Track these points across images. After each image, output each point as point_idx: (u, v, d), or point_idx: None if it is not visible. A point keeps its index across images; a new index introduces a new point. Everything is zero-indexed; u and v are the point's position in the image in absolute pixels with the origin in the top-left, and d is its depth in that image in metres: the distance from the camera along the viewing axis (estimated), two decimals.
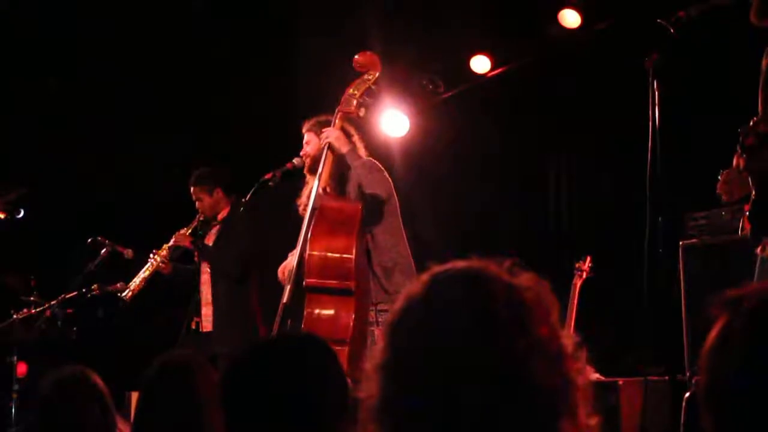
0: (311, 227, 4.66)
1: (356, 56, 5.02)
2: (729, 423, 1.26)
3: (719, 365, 1.27)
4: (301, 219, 5.02)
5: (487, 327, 1.21)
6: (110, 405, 2.75)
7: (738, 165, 3.37)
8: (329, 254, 4.59)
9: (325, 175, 4.82)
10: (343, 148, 4.81)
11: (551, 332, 1.24)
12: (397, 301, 1.30)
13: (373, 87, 4.99)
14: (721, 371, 1.27)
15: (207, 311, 6.01)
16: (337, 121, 4.92)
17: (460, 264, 1.29)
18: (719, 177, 3.68)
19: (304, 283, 4.59)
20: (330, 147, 4.82)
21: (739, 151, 3.30)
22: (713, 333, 1.30)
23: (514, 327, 1.21)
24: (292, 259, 4.82)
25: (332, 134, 4.84)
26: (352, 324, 4.51)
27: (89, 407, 2.71)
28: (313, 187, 4.81)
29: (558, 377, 1.21)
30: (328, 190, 4.92)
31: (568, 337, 1.26)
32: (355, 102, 4.91)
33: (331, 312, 4.54)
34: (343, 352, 4.40)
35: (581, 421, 1.23)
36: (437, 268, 1.30)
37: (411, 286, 1.29)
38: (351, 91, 4.93)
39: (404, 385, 1.23)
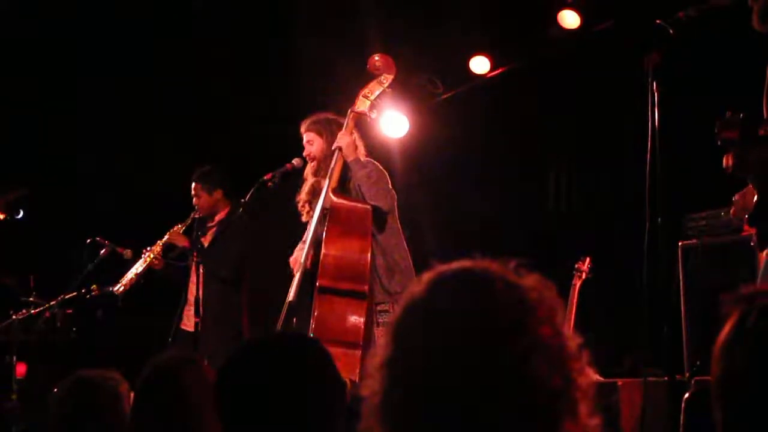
0: (325, 228, 4.65)
1: (373, 58, 5.02)
2: (738, 416, 1.29)
3: (731, 360, 1.31)
4: (300, 214, 5.02)
5: (488, 326, 1.22)
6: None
7: (728, 165, 3.35)
8: (345, 256, 4.58)
9: (336, 176, 4.81)
10: (351, 156, 4.80)
11: (554, 332, 1.24)
12: (401, 300, 1.30)
13: (387, 90, 5.00)
14: (733, 366, 1.30)
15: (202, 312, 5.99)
16: (349, 122, 4.92)
17: (463, 263, 1.29)
18: (733, 199, 3.67)
19: (317, 283, 4.57)
20: (340, 151, 4.82)
21: (719, 144, 3.27)
22: (726, 328, 1.33)
23: (514, 326, 1.22)
24: (301, 253, 4.81)
25: (344, 141, 4.83)
26: (363, 327, 4.50)
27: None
28: (324, 187, 4.80)
29: (560, 377, 1.21)
30: (336, 189, 4.92)
31: (572, 337, 1.26)
32: (368, 103, 4.92)
33: (342, 314, 4.53)
34: (355, 356, 4.39)
35: (583, 421, 1.23)
36: (441, 267, 1.30)
37: (414, 285, 1.30)
38: (365, 92, 4.95)
39: (406, 383, 1.23)
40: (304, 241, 4.90)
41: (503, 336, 1.21)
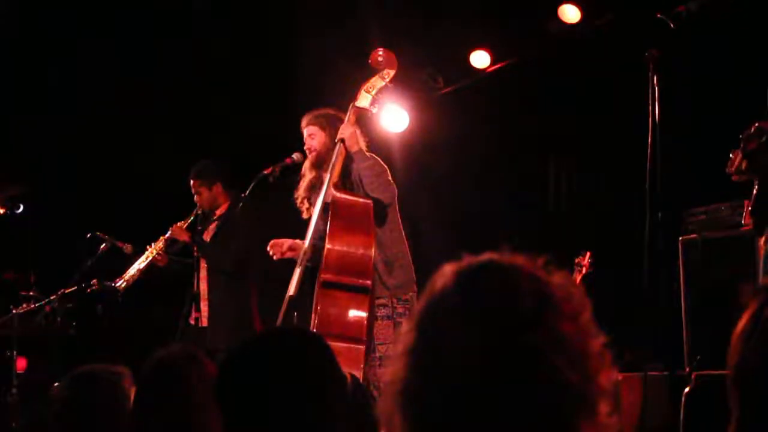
0: (328, 223, 4.65)
1: (376, 52, 5.05)
2: (755, 403, 1.31)
3: (748, 349, 1.34)
4: (299, 211, 5.03)
5: (508, 317, 1.22)
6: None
7: (739, 164, 3.39)
8: (349, 251, 4.58)
9: (337, 170, 4.81)
10: (354, 147, 4.81)
11: (577, 330, 1.24)
12: (428, 289, 1.31)
13: (388, 85, 5.02)
14: (750, 354, 1.32)
15: (204, 307, 6.01)
16: (351, 116, 4.92)
17: (490, 256, 1.30)
18: (731, 155, 3.67)
19: (321, 277, 4.57)
20: (343, 143, 4.82)
21: (741, 154, 3.33)
22: (744, 319, 1.36)
23: (535, 319, 1.22)
24: (302, 244, 4.81)
25: (347, 132, 4.84)
26: (366, 321, 4.52)
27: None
28: (325, 182, 4.80)
29: (578, 374, 1.21)
30: (337, 184, 4.92)
31: (596, 336, 1.27)
32: (370, 98, 4.95)
33: (346, 309, 4.54)
34: (359, 350, 4.41)
35: (600, 420, 1.23)
36: (467, 258, 1.30)
37: (438, 274, 1.30)
38: (366, 87, 4.97)
39: (426, 372, 1.23)
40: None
41: (523, 328, 1.21)
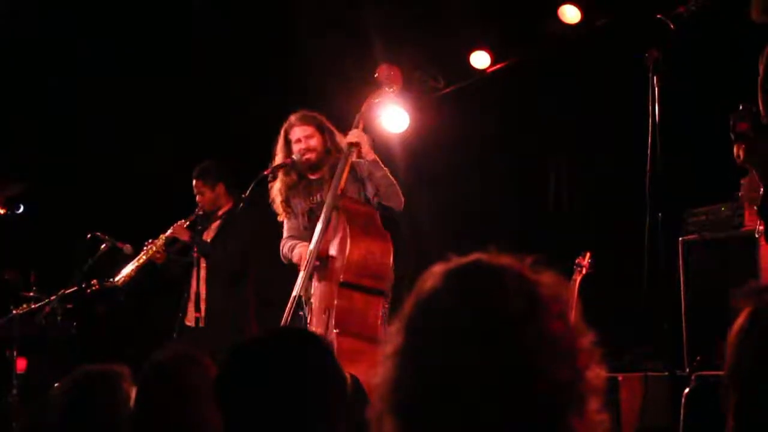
0: (347, 227, 4.72)
1: (382, 68, 5.23)
2: (750, 403, 1.33)
3: (743, 350, 1.36)
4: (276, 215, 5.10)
5: (496, 316, 1.23)
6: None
7: (738, 155, 3.35)
8: (370, 255, 4.74)
9: (346, 175, 4.89)
10: (371, 155, 4.91)
11: (565, 328, 1.25)
12: (417, 289, 1.31)
13: (393, 97, 5.28)
14: (745, 355, 1.35)
15: (203, 307, 6.00)
16: (359, 124, 5.05)
17: (477, 256, 1.31)
18: (741, 182, 3.67)
19: (341, 278, 4.66)
20: (358, 150, 4.89)
21: (733, 137, 3.28)
22: (739, 320, 1.38)
23: (523, 318, 1.22)
24: (304, 249, 4.85)
25: (363, 138, 4.92)
26: (379, 322, 4.66)
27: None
28: (332, 186, 4.86)
29: (567, 371, 1.22)
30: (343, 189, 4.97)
31: (584, 334, 1.27)
32: (375, 108, 5.20)
33: (363, 309, 4.69)
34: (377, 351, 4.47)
35: (590, 417, 1.23)
36: (454, 259, 1.31)
37: (426, 275, 1.31)
38: (375, 100, 5.16)
39: (416, 372, 1.24)
40: (292, 236, 4.97)
41: (511, 326, 1.22)
